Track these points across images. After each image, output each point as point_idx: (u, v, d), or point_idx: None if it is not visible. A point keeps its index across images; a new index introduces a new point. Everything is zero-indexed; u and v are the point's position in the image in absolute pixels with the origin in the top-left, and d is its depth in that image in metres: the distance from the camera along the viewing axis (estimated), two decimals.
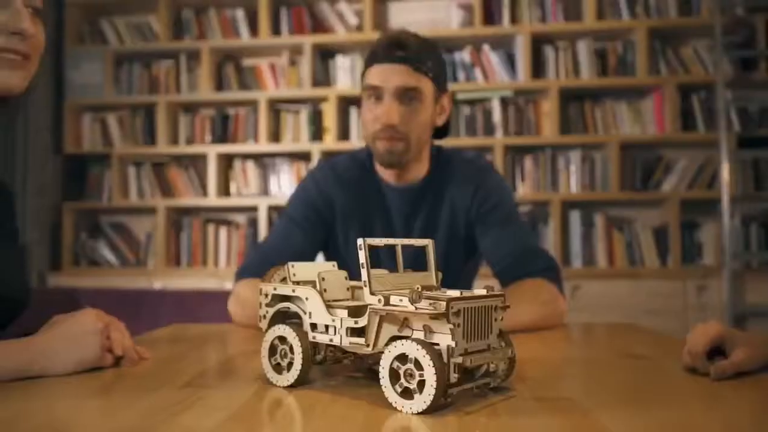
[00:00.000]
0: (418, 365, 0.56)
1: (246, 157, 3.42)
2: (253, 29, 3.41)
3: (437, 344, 0.57)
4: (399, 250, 0.67)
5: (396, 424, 0.55)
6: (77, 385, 0.72)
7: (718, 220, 3.05)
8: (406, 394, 0.58)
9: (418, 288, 0.60)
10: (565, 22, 3.22)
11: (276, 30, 3.40)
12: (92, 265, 3.44)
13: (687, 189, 3.14)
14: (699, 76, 3.13)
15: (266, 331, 0.70)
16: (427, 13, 3.35)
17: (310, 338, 0.66)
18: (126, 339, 0.83)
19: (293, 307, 0.68)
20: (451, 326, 0.56)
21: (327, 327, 0.65)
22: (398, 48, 1.21)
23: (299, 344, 0.66)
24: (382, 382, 0.59)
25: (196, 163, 3.45)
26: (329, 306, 0.65)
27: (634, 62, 3.17)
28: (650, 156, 3.23)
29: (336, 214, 1.37)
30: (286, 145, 3.34)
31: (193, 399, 0.64)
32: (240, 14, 3.42)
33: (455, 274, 1.42)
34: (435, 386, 0.55)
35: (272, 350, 0.69)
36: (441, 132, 1.36)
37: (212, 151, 3.34)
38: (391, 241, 0.66)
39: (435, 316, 0.57)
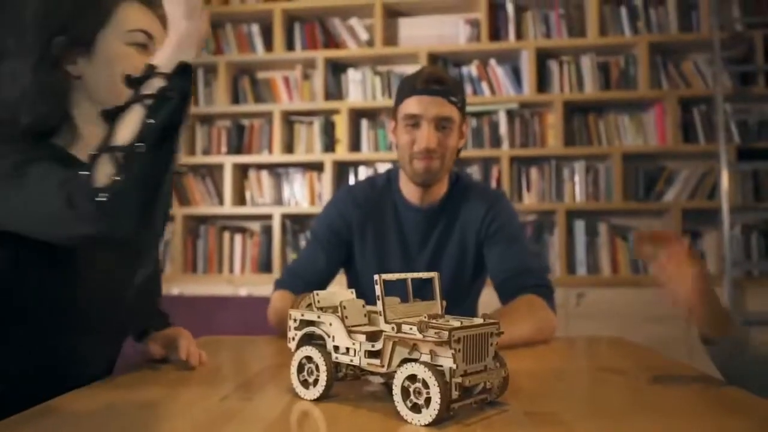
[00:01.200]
0: (425, 384, 0.67)
1: (260, 167, 3.54)
2: (268, 44, 3.53)
3: (441, 366, 0.68)
4: (409, 283, 0.78)
5: None
6: (122, 402, 0.83)
7: (718, 229, 3.13)
8: (415, 408, 0.69)
9: (425, 317, 0.71)
10: (569, 37, 3.32)
11: (290, 45, 3.52)
12: None
13: (688, 199, 3.22)
14: (699, 90, 3.22)
15: (295, 351, 0.81)
16: (435, 29, 3.46)
17: (333, 358, 0.78)
18: (191, 345, 1.03)
19: (318, 331, 0.80)
20: (453, 351, 0.67)
21: (348, 349, 0.76)
22: (436, 83, 1.39)
23: (324, 363, 0.77)
24: (394, 398, 0.70)
25: (213, 172, 3.57)
26: (350, 331, 0.76)
27: (636, 76, 3.27)
28: (652, 167, 3.32)
29: (353, 233, 1.53)
30: (299, 155, 3.46)
31: (233, 411, 0.75)
32: (255, 29, 3.54)
33: (465, 290, 1.54)
34: (439, 402, 0.66)
35: (300, 368, 0.80)
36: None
37: (228, 161, 3.46)
38: (402, 276, 0.77)
39: (439, 343, 0.68)
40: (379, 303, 0.73)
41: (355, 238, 1.53)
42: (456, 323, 0.70)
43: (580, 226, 3.29)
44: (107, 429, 0.70)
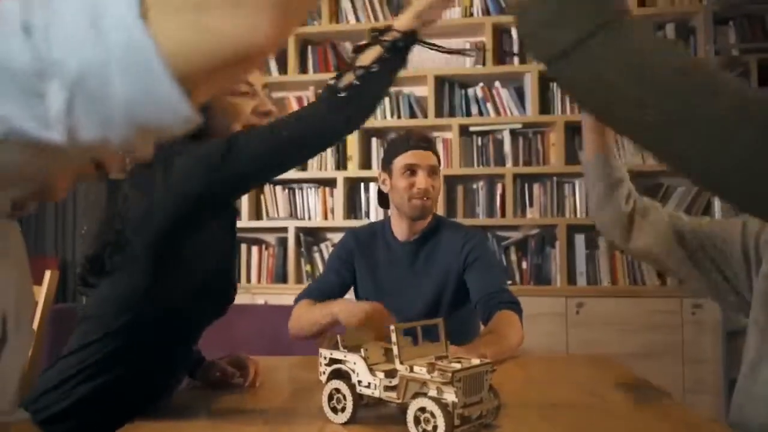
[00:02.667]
0: (433, 415, 0.85)
1: (276, 182, 3.70)
2: (282, 66, 3.70)
3: (446, 400, 0.86)
4: (419, 330, 0.96)
5: None
6: (175, 428, 1.01)
7: None
8: None
9: (433, 359, 0.88)
10: None
11: (303, 67, 3.69)
12: None
13: (685, 213, 3.36)
14: None
15: (325, 383, 0.99)
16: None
17: (357, 390, 0.95)
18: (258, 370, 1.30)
19: (344, 368, 0.97)
20: (455, 389, 0.85)
21: (369, 383, 0.94)
22: (425, 141, 1.79)
23: (350, 394, 0.95)
24: (408, 424, 0.87)
25: None
26: (371, 369, 0.94)
27: None
28: (651, 183, 3.47)
29: (355, 260, 1.87)
30: (312, 172, 3.63)
31: None
32: None
33: (445, 310, 1.78)
34: (444, 429, 0.84)
35: (330, 397, 0.98)
36: None
37: None
38: (414, 323, 0.94)
39: (444, 382, 0.85)
40: (395, 348, 0.90)
41: (356, 265, 1.87)
42: (457, 365, 0.87)
43: (580, 239, 3.44)
44: None
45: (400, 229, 1.86)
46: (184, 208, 1.08)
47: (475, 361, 0.90)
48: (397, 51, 1.12)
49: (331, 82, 1.10)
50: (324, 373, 1.00)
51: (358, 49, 1.12)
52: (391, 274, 1.84)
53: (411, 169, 1.78)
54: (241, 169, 1.07)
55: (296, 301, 1.79)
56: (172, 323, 1.13)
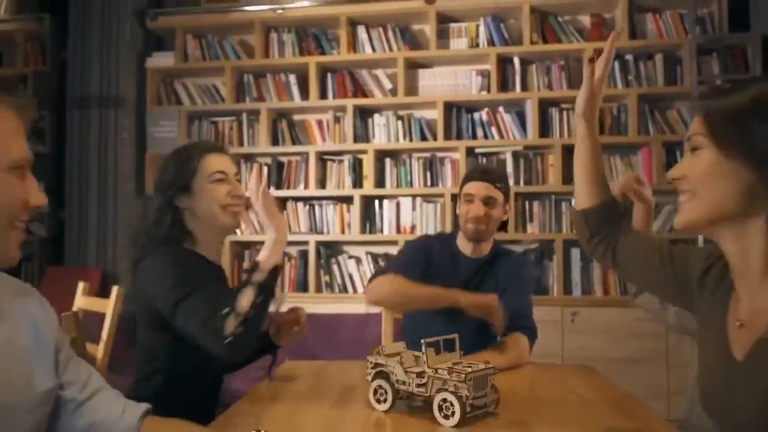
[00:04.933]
0: (451, 404, 1.18)
1: (297, 199, 4.03)
2: (304, 92, 4.03)
3: (461, 393, 1.19)
4: (441, 343, 1.29)
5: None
6: (266, 414, 1.35)
7: None
8: (446, 417, 1.19)
9: (451, 364, 1.22)
10: (568, 88, 3.79)
11: (323, 93, 4.02)
12: None
13: (671, 230, 3.69)
14: (682, 135, 3.67)
15: (371, 381, 1.32)
16: (451, 80, 3.95)
17: (396, 386, 1.29)
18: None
19: (386, 369, 1.31)
20: (467, 386, 1.18)
21: (404, 381, 1.28)
22: (485, 173, 2.02)
23: (390, 389, 1.29)
24: (434, 410, 1.21)
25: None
26: (406, 371, 1.27)
27: (627, 123, 3.74)
28: None
29: (430, 262, 2.04)
30: (331, 190, 3.97)
31: (342, 416, 1.29)
32: (293, 79, 4.05)
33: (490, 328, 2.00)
34: (459, 414, 1.17)
35: (375, 391, 1.31)
36: (503, 225, 2.10)
37: None
38: (437, 338, 1.28)
39: (460, 380, 1.19)
40: (424, 356, 1.24)
41: (428, 267, 2.01)
42: (469, 369, 1.21)
43: (576, 253, 3.75)
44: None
45: (464, 247, 2.05)
46: (147, 308, 1.47)
47: (482, 366, 1.24)
48: (265, 289, 1.31)
49: (218, 325, 1.27)
50: (370, 373, 1.34)
51: (238, 288, 1.32)
52: (451, 284, 1.91)
53: (470, 198, 1.98)
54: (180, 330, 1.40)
55: (379, 273, 1.98)
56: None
